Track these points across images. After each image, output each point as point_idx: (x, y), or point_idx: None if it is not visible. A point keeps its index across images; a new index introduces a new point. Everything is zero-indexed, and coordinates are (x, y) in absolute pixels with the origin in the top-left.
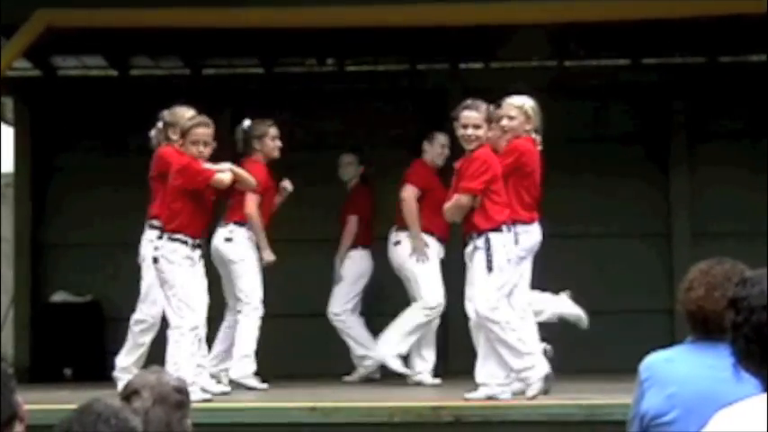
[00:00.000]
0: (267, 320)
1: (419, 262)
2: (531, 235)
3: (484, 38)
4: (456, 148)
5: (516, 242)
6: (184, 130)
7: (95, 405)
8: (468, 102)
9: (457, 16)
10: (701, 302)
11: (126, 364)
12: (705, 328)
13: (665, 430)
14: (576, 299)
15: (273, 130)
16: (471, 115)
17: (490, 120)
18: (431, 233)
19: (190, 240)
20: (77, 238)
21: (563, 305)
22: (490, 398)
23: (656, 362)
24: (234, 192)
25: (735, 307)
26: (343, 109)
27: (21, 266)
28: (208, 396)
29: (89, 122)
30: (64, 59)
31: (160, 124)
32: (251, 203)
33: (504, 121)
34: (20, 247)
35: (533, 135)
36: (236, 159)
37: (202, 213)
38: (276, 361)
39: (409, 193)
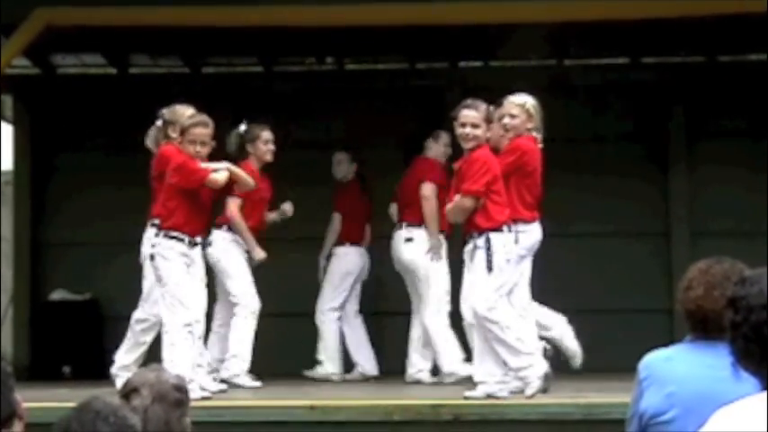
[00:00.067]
0: (268, 319)
1: (434, 261)
2: (532, 234)
3: (483, 37)
4: (456, 149)
5: (516, 241)
6: (183, 128)
7: (94, 403)
8: (468, 101)
9: (456, 15)
10: (700, 302)
11: (126, 362)
12: (704, 328)
13: (664, 429)
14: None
15: (266, 134)
16: (470, 114)
17: (489, 120)
18: (441, 231)
19: (187, 238)
20: (76, 237)
21: (567, 334)
22: (489, 396)
23: (654, 361)
24: (217, 194)
25: (734, 306)
26: (342, 108)
27: (20, 265)
28: (207, 394)
29: (88, 121)
30: (63, 58)
31: (159, 122)
32: (232, 206)
33: (506, 120)
34: (19, 245)
35: (535, 134)
36: (229, 161)
37: (200, 212)
38: (276, 360)
39: (430, 192)
